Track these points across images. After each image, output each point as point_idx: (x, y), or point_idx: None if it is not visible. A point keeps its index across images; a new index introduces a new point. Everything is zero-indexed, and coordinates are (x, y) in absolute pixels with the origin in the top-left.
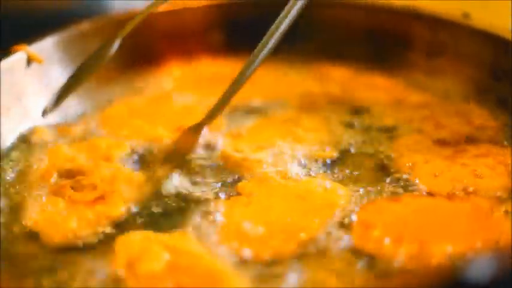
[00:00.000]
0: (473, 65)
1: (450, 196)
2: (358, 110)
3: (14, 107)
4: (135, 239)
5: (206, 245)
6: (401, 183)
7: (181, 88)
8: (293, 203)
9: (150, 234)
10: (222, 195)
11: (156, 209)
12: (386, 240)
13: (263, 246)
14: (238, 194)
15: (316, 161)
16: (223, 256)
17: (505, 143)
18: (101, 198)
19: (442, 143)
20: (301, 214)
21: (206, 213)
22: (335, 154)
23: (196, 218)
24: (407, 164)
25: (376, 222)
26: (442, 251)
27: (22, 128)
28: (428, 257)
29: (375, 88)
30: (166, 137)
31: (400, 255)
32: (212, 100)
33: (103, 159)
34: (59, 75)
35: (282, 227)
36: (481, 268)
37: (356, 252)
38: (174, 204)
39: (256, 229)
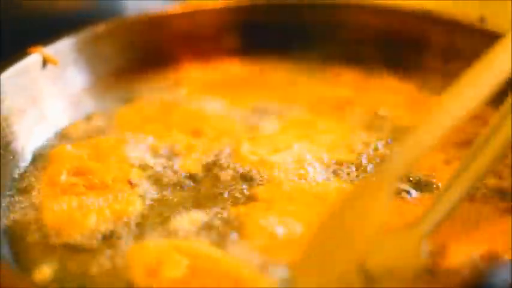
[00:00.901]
0: None
1: (471, 198)
2: (373, 113)
3: (30, 109)
4: (150, 248)
5: (230, 253)
6: (422, 185)
7: (196, 91)
8: (313, 207)
9: (163, 241)
10: (240, 200)
11: (170, 211)
12: None
13: (289, 252)
14: (256, 199)
15: (333, 163)
16: (248, 261)
17: None
18: (114, 196)
19: (459, 144)
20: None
21: (225, 219)
22: (351, 157)
23: (215, 224)
24: (427, 166)
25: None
26: (462, 253)
27: (38, 130)
28: (449, 259)
29: (390, 91)
30: (180, 140)
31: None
32: (227, 103)
33: (111, 158)
34: (74, 77)
35: (305, 232)
36: (503, 273)
37: None
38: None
39: (280, 235)
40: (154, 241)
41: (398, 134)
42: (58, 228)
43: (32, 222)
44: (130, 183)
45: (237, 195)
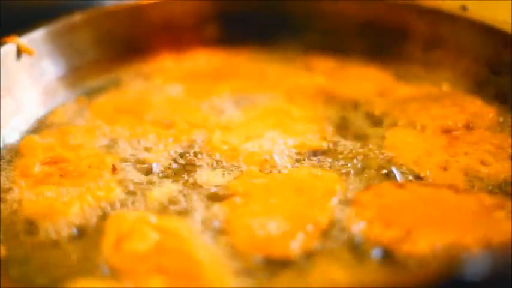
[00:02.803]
0: (471, 57)
1: (457, 188)
2: (348, 101)
3: (5, 99)
4: (127, 218)
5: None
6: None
7: (172, 81)
8: (290, 199)
9: (143, 214)
10: (216, 194)
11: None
12: (376, 222)
13: (276, 246)
14: (233, 194)
15: (305, 152)
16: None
17: (500, 129)
18: (90, 184)
19: (437, 132)
20: (303, 208)
21: (204, 217)
22: (324, 144)
23: (194, 222)
24: (410, 156)
25: (372, 204)
26: (428, 240)
27: (12, 121)
28: (412, 245)
29: (367, 80)
30: (153, 130)
31: (386, 239)
32: (202, 93)
33: (84, 146)
34: (49, 67)
35: (289, 222)
36: (473, 265)
37: (352, 237)
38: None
39: (264, 230)
40: (133, 212)
41: (374, 122)
42: (39, 219)
43: (11, 216)
44: (114, 168)
45: (212, 188)
